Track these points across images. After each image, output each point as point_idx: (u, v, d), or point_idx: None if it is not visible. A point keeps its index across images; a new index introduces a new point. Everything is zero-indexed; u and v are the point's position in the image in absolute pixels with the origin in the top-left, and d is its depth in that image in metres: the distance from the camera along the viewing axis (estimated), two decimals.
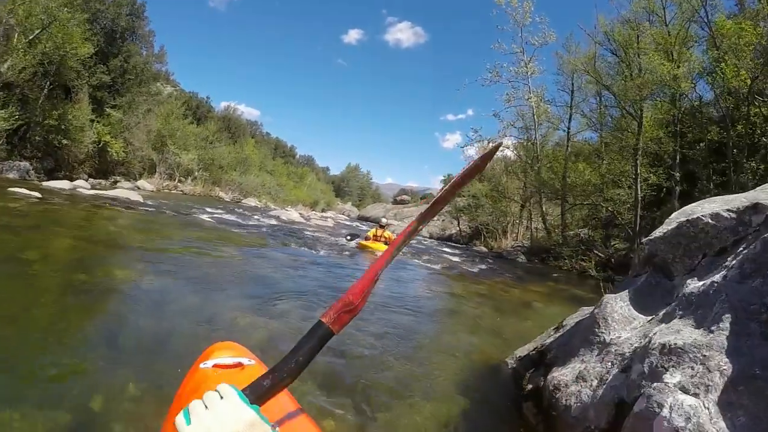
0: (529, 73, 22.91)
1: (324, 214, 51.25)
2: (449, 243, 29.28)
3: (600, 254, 16.77)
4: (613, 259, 16.19)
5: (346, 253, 11.23)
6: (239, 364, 1.72)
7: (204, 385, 1.58)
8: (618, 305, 2.82)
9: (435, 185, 68.69)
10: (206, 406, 0.88)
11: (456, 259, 14.90)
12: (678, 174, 15.28)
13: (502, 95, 23.33)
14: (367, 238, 13.57)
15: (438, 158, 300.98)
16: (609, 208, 17.23)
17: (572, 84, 21.82)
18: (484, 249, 23.92)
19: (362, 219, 58.45)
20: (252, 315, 4.37)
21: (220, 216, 15.43)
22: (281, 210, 26.67)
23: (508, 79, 23.27)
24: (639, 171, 15.75)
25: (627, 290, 2.98)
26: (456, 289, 8.97)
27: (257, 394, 0.95)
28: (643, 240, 3.09)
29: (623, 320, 2.68)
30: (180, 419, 0.87)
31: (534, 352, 3.67)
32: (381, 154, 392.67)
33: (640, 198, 15.81)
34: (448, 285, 9.45)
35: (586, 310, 3.82)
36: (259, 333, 3.91)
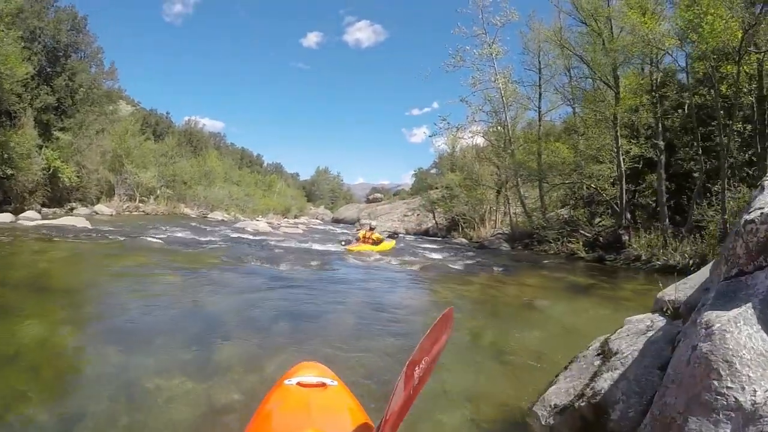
0: (493, 55, 21.76)
1: (297, 221, 49.98)
2: (426, 237, 28.23)
3: (586, 234, 15.78)
4: (601, 237, 15.21)
5: (314, 263, 9.87)
6: (322, 384, 1.83)
7: (288, 400, 1.75)
8: (745, 333, 1.61)
9: (406, 181, 67.98)
10: None
11: (436, 255, 13.77)
12: (662, 142, 14.29)
13: (468, 80, 22.13)
14: (357, 240, 14.33)
15: (407, 154, 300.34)
16: (592, 185, 16.19)
17: (539, 62, 20.83)
18: (464, 240, 22.88)
19: (336, 221, 57.57)
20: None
21: (175, 235, 14.10)
22: (249, 221, 25.30)
23: (473, 63, 22.06)
24: (620, 143, 14.72)
25: (746, 304, 1.74)
26: (442, 293, 7.85)
27: None
28: (752, 217, 1.86)
29: (763, 362, 1.53)
30: None
31: (582, 402, 2.38)
32: (350, 155, 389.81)
33: (624, 170, 14.79)
34: (432, 290, 8.35)
35: (640, 322, 2.67)
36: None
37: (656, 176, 14.40)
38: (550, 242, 16.41)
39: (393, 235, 17.28)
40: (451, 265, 11.22)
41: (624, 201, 14.79)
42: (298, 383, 1.83)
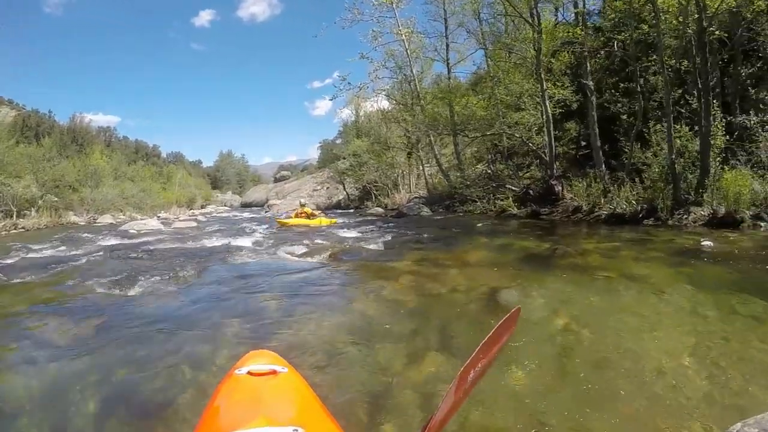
0: (394, 4, 19.71)
1: (202, 211, 47.22)
2: (338, 211, 26.45)
3: (514, 188, 14.24)
4: (530, 191, 13.70)
5: (171, 288, 7.16)
6: (273, 371, 1.76)
7: (238, 390, 1.66)
8: None
9: (314, 156, 66.11)
10: None
11: (351, 233, 11.41)
12: (591, 82, 12.79)
13: (368, 35, 19.97)
14: (289, 217, 15.78)
15: (311, 127, 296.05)
16: (515, 135, 14.56)
17: (444, 11, 19.24)
18: (379, 209, 20.93)
19: (245, 206, 57.58)
20: None
21: (30, 256, 10.54)
22: (137, 221, 22.09)
23: (372, 16, 19.90)
24: (546, 86, 13.12)
25: None
26: (364, 296, 4.82)
27: None
28: None
29: None
30: None
31: None
32: (255, 136, 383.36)
33: (551, 115, 13.24)
34: (352, 290, 5.23)
35: None
36: None
37: (588, 119, 12.97)
38: (475, 201, 14.82)
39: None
40: (369, 246, 8.59)
41: (553, 149, 13.26)
42: (249, 372, 1.74)
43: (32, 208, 29.68)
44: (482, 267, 6.00)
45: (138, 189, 42.58)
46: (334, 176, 33.71)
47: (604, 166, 12.43)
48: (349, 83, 19.37)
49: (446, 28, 19.36)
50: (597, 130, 12.72)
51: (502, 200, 13.75)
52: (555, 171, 13.25)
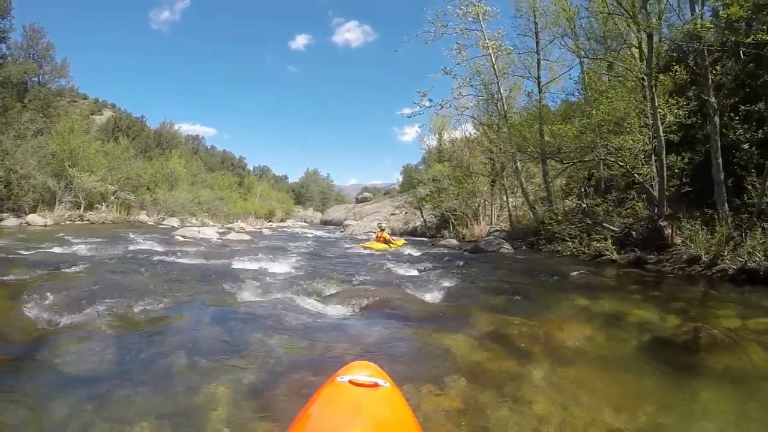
0: (480, 16, 17.79)
1: (280, 224, 47.67)
2: (413, 238, 24.81)
3: (613, 228, 11.91)
4: (633, 232, 11.33)
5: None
6: (375, 384, 1.76)
7: (339, 397, 1.70)
8: None
9: (397, 179, 65.54)
10: None
11: (411, 269, 9.56)
12: (713, 99, 10.35)
13: (451, 50, 18.04)
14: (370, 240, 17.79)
15: (398, 152, 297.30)
16: (619, 163, 12.18)
17: (535, 24, 17.16)
18: (454, 241, 18.87)
19: (325, 223, 57.34)
20: None
21: (54, 251, 10.25)
22: (193, 228, 21.58)
23: (456, 28, 17.96)
24: (657, 103, 10.78)
25: None
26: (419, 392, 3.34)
27: None
28: None
29: None
30: None
31: None
32: (343, 157, 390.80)
33: (663, 139, 10.86)
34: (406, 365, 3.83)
35: None
36: None
37: (710, 146, 10.43)
38: (566, 240, 12.51)
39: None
40: (423, 294, 6.71)
41: (665, 182, 10.87)
42: (351, 381, 1.77)
43: (103, 203, 30.00)
44: (585, 365, 3.86)
45: (215, 196, 42.67)
46: (412, 201, 31.95)
47: (727, 205, 9.97)
48: (430, 100, 17.39)
49: (537, 43, 17.27)
50: (720, 160, 10.24)
51: (598, 242, 11.44)
52: (665, 209, 10.87)
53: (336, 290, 6.63)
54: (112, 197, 31.00)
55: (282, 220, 61.56)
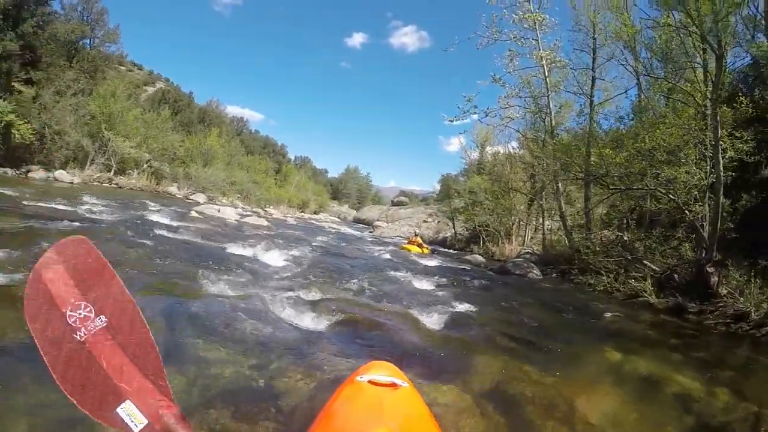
0: (537, 24, 16.79)
1: (312, 216, 47.64)
2: (441, 249, 23.91)
3: (654, 267, 10.80)
4: (676, 275, 10.21)
5: None
6: (394, 384, 1.76)
7: (359, 396, 1.70)
8: None
9: (437, 187, 64.45)
10: None
11: (427, 282, 8.91)
12: None
13: (503, 58, 17.03)
14: (408, 242, 19.49)
15: (441, 161, 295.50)
16: (671, 196, 11.04)
17: (594, 40, 15.98)
18: (480, 258, 17.74)
19: (357, 221, 57.28)
20: None
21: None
22: (214, 206, 21.32)
23: (511, 35, 16.94)
24: (720, 134, 9.65)
25: None
26: None
27: None
28: None
29: None
30: None
31: None
32: (385, 158, 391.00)
33: (723, 176, 9.71)
34: None
35: None
36: None
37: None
38: (601, 274, 11.43)
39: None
40: (430, 313, 5.96)
41: (718, 223, 9.73)
42: (370, 381, 1.78)
43: (136, 170, 29.94)
44: (600, 394, 3.25)
45: (249, 179, 42.40)
46: (445, 211, 30.97)
47: None
48: (475, 106, 16.33)
49: (594, 60, 16.07)
50: None
51: (636, 281, 10.35)
52: (714, 254, 9.74)
53: (317, 295, 6.06)
54: (145, 165, 30.97)
55: (315, 213, 61.27)
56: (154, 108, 40.77)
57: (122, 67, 68.43)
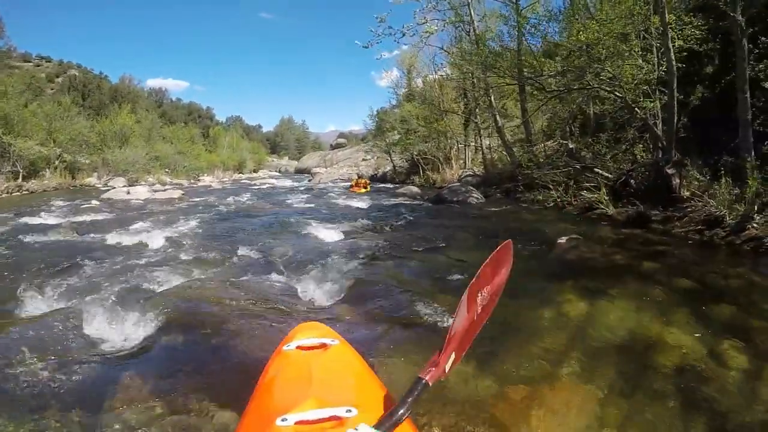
0: None
1: (251, 175, 46.81)
2: (382, 185, 23.40)
3: (606, 174, 9.65)
4: (632, 180, 9.07)
5: None
6: (323, 345, 1.67)
7: (288, 366, 1.58)
8: None
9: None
10: None
11: (336, 233, 7.65)
12: (741, 17, 7.84)
13: None
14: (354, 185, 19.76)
15: (377, 97, 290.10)
16: (617, 94, 9.76)
17: None
18: (414, 189, 16.41)
19: (300, 171, 56.54)
20: None
21: None
22: (121, 189, 19.72)
23: None
24: (667, 18, 8.31)
25: None
26: None
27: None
28: None
29: None
30: None
31: None
32: (321, 104, 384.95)
33: (675, 66, 8.44)
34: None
35: None
36: None
37: (736, 76, 8.00)
38: (549, 189, 10.25)
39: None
40: (354, 269, 5.21)
41: (674, 119, 8.51)
42: (298, 347, 1.65)
43: (47, 169, 27.48)
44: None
45: (174, 151, 40.06)
46: (379, 145, 29.87)
47: (754, 152, 7.67)
48: (390, 27, 14.40)
49: None
50: (748, 95, 7.85)
51: (589, 191, 9.19)
52: (673, 154, 8.58)
53: (209, 261, 5.72)
54: (56, 161, 28.49)
55: (254, 171, 60.06)
56: (62, 97, 37.87)
57: (28, 63, 64.97)
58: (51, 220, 10.29)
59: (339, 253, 5.86)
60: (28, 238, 7.71)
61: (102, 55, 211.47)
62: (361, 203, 12.98)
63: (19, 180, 25.28)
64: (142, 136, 39.58)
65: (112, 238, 7.58)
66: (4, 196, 22.37)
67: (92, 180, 29.33)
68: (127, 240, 7.39)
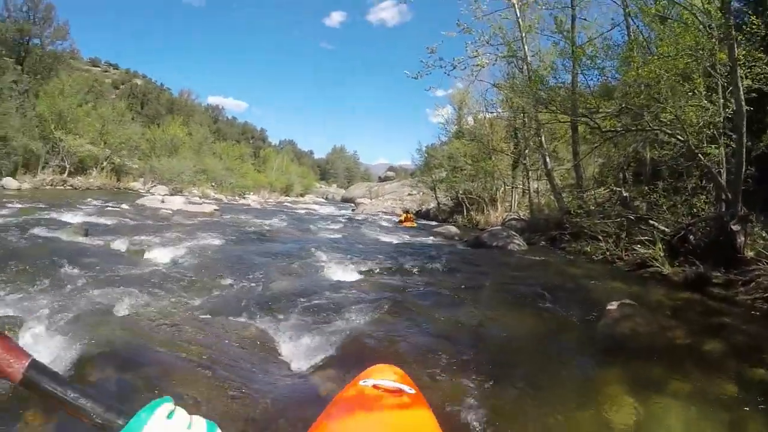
0: None
1: (296, 199, 47.68)
2: (421, 221, 22.46)
3: (663, 228, 8.70)
4: (691, 236, 8.06)
5: None
6: (399, 390, 1.63)
7: (361, 402, 1.56)
8: None
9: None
10: None
11: (356, 273, 6.81)
12: None
13: (470, 3, 14.60)
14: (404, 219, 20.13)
15: (429, 134, 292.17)
16: (678, 137, 8.85)
17: None
18: (453, 229, 15.55)
19: (345, 200, 56.12)
20: None
21: None
22: (157, 197, 20.12)
23: None
24: (736, 53, 7.44)
25: None
26: None
27: None
28: None
29: None
30: None
31: None
32: (373, 136, 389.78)
33: (744, 108, 7.52)
34: None
35: None
36: None
37: None
38: (598, 240, 9.36)
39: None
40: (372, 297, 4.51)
41: (743, 168, 7.58)
42: (374, 386, 1.62)
43: (94, 168, 28.27)
44: None
45: (222, 167, 40.71)
46: (425, 181, 29.58)
47: None
48: (440, 59, 13.81)
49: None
50: None
51: (643, 246, 8.25)
52: (740, 208, 7.60)
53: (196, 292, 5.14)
54: (104, 162, 29.12)
55: (301, 195, 60.37)
56: (119, 102, 39.22)
57: (96, 68, 67.93)
58: (69, 218, 10.26)
59: (341, 296, 5.19)
60: (30, 232, 7.71)
61: (169, 70, 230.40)
62: (393, 239, 12.40)
63: (65, 175, 25.99)
64: (192, 149, 40.87)
65: (115, 245, 7.44)
66: (47, 188, 23.61)
67: (137, 185, 30.62)
68: (128, 249, 7.25)
